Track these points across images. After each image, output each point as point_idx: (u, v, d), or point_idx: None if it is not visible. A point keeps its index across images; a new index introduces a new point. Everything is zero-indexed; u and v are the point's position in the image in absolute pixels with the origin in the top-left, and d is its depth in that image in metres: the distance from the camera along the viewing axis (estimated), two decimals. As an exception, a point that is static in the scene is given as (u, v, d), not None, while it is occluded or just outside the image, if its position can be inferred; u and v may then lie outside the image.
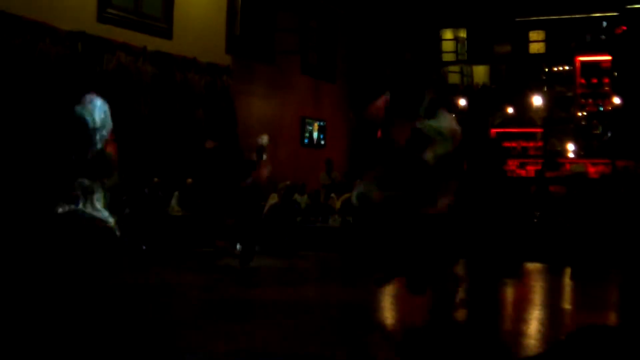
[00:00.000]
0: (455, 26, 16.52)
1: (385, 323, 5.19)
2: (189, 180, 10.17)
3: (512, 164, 14.46)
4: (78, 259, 4.80)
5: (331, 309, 5.43)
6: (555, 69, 15.50)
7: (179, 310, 5.20)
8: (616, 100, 14.15)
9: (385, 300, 5.77)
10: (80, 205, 4.94)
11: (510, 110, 15.98)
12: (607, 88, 14.35)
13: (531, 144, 15.24)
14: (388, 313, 5.61)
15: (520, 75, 15.88)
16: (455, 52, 16.69)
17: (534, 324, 5.22)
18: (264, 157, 8.20)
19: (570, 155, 14.58)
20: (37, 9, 8.56)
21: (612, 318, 5.62)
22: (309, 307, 5.44)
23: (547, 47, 15.28)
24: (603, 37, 13.89)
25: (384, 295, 5.74)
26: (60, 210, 4.83)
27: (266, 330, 4.42)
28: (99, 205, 4.96)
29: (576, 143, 14.63)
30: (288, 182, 10.24)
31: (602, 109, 14.43)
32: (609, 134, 14.17)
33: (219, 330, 4.49)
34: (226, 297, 5.92)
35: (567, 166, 14.20)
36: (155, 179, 9.81)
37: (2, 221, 6.54)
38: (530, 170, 14.31)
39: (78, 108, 4.93)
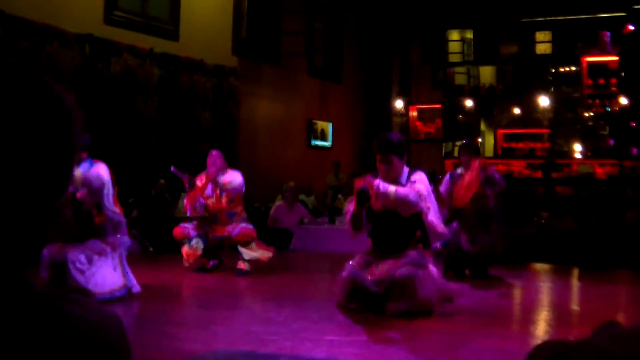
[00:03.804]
0: (461, 27, 16.52)
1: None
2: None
3: (518, 165, 14.44)
4: None
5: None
6: (562, 69, 15.46)
7: (184, 310, 5.21)
8: (623, 100, 14.09)
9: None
10: None
11: (516, 110, 15.97)
12: (614, 88, 14.27)
13: (538, 145, 15.21)
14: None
15: (526, 75, 15.86)
16: (462, 53, 16.69)
17: (540, 325, 5.21)
18: None
19: (578, 155, 14.54)
20: (44, 12, 8.60)
21: (621, 319, 5.60)
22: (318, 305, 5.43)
23: (554, 48, 15.23)
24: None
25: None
26: None
27: (272, 330, 4.42)
28: None
29: (583, 144, 14.58)
30: (292, 183, 10.25)
31: (609, 109, 14.37)
32: (614, 138, 14.10)
33: (223, 329, 4.50)
34: (232, 296, 5.93)
35: (575, 167, 14.16)
36: (162, 181, 9.83)
37: None
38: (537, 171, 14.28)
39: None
